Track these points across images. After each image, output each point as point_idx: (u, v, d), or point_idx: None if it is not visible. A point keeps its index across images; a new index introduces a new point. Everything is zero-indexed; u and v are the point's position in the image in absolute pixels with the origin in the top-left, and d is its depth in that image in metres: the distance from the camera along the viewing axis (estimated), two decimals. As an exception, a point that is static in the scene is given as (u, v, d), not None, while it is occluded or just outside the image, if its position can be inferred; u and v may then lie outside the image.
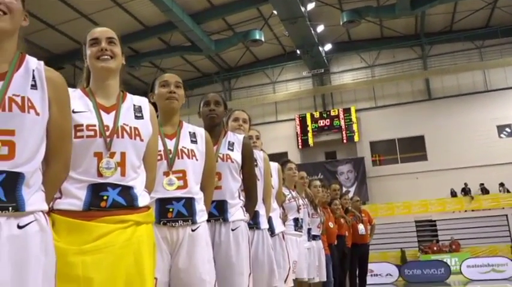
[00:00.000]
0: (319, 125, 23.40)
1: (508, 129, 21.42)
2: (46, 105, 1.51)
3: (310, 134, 23.45)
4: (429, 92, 22.77)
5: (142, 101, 2.01)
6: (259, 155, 3.22)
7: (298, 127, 23.66)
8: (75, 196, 1.72)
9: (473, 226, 19.02)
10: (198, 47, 20.32)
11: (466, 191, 20.44)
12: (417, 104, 22.64)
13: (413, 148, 22.23)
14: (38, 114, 1.47)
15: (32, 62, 1.55)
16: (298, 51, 21.70)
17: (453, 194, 20.79)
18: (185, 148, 2.31)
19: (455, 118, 21.51)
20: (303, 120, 23.68)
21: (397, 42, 22.85)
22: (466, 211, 19.92)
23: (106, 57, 1.91)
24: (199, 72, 25.20)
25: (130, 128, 1.86)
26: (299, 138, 23.51)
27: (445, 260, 15.52)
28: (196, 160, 2.32)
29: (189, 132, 2.40)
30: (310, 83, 24.47)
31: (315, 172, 21.66)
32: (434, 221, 20.13)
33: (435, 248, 18.39)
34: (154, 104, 2.25)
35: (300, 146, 23.53)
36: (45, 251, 1.42)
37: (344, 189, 20.38)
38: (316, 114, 23.69)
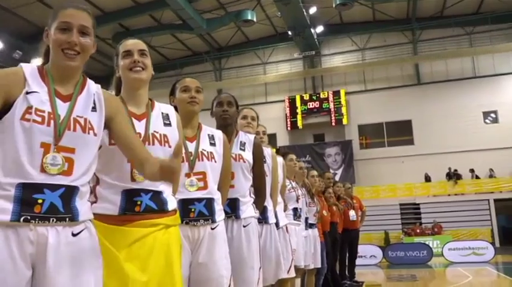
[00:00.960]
0: (308, 107, 23.53)
1: (493, 115, 21.83)
2: (102, 126, 1.65)
3: (299, 116, 23.59)
4: (418, 77, 23.00)
5: (169, 109, 2.12)
6: (267, 151, 3.33)
7: (288, 109, 23.78)
8: (110, 201, 1.84)
9: (455, 209, 19.55)
10: (189, 25, 20.16)
11: (450, 175, 20.91)
12: (406, 89, 22.89)
13: (400, 132, 22.55)
14: (95, 135, 1.62)
15: (93, 86, 1.69)
16: (289, 33, 21.66)
17: (427, 179, 21.30)
18: (205, 150, 2.42)
19: (443, 103, 21.83)
20: (292, 102, 23.79)
21: (388, 26, 22.92)
22: (449, 195, 20.42)
23: (138, 68, 2.01)
24: (189, 50, 24.99)
25: (160, 135, 1.98)
26: (288, 120, 23.66)
27: (427, 242, 15.93)
28: (215, 161, 2.43)
29: (208, 135, 2.50)
30: (301, 65, 24.50)
31: (303, 153, 21.95)
32: (418, 204, 20.63)
33: (418, 231, 18.87)
34: (174, 107, 2.33)
35: (288, 128, 23.69)
36: (95, 255, 1.58)
37: (331, 171, 20.81)
38: (306, 97, 23.80)
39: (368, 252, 14.13)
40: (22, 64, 1.60)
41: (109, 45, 22.33)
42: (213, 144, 2.48)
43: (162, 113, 2.07)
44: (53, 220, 1.46)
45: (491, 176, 20.54)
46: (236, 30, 23.20)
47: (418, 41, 23.14)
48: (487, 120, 21.89)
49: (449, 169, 20.90)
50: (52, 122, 1.52)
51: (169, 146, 1.99)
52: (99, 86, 1.71)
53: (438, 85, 22.37)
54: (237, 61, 25.27)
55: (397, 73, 23.26)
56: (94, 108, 1.64)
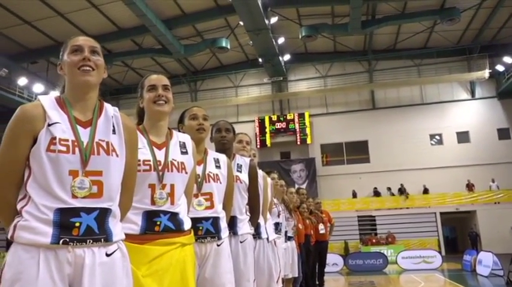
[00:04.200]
0: (276, 127, 23.74)
1: (438, 138, 22.61)
2: (123, 148, 1.60)
3: (267, 135, 23.75)
4: (373, 102, 23.63)
5: (186, 138, 2.13)
6: (259, 173, 3.36)
7: (257, 128, 23.91)
8: (132, 221, 1.83)
9: (407, 221, 20.00)
10: (168, 50, 20.09)
11: (401, 190, 21.43)
12: (363, 112, 23.45)
13: (358, 151, 22.99)
14: (118, 156, 1.57)
15: (110, 109, 1.64)
16: (260, 60, 21.91)
17: (378, 193, 21.77)
18: (211, 172, 2.44)
19: (395, 126, 22.49)
20: (261, 122, 23.95)
21: (347, 56, 23.57)
22: (401, 208, 20.89)
23: (161, 102, 2.03)
24: (167, 73, 24.76)
25: (178, 163, 1.98)
26: (258, 139, 23.75)
27: (382, 251, 16.17)
28: (220, 183, 2.45)
29: (214, 158, 2.52)
30: (270, 89, 24.75)
31: (271, 169, 21.92)
32: (374, 216, 20.99)
33: (374, 241, 19.15)
34: None
35: (258, 146, 23.74)
36: (127, 274, 1.54)
37: (296, 186, 20.96)
38: (274, 118, 24.01)
39: (330, 260, 14.09)
40: (40, 97, 1.56)
41: (92, 66, 21.95)
42: (218, 167, 2.50)
43: (180, 141, 2.08)
44: (89, 242, 1.43)
45: (431, 192, 21.10)
46: (211, 55, 23.29)
47: (373, 70, 23.85)
48: (432, 142, 22.65)
49: (401, 185, 21.43)
50: (77, 149, 1.48)
51: (186, 173, 2.00)
52: (116, 109, 1.67)
53: (391, 110, 23.06)
54: (212, 84, 25.30)
55: (355, 98, 23.85)
56: (114, 131, 1.60)
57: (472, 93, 22.59)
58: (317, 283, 7.72)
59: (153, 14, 17.17)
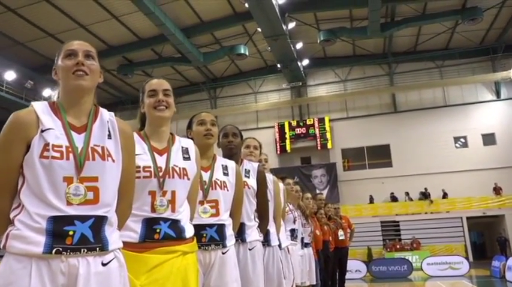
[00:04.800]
0: (296, 132, 23.58)
1: (462, 140, 22.03)
2: (119, 153, 1.55)
3: (287, 141, 23.60)
4: (395, 106, 23.24)
5: (189, 143, 2.06)
6: (269, 178, 3.27)
7: (277, 134, 23.80)
8: (131, 229, 1.77)
9: (432, 226, 19.49)
10: (188, 58, 20.26)
11: (425, 195, 20.91)
12: (384, 116, 23.08)
13: (379, 155, 22.61)
14: (114, 161, 1.51)
15: (105, 114, 1.60)
16: (278, 65, 21.84)
17: (394, 199, 21.31)
18: (218, 179, 2.37)
19: (418, 129, 22.02)
20: (281, 128, 23.83)
21: (367, 60, 23.27)
22: (426, 213, 20.39)
23: (162, 107, 1.97)
24: (187, 81, 25.09)
25: (180, 169, 1.91)
26: (278, 145, 23.64)
27: (407, 257, 15.82)
28: (227, 190, 2.37)
29: (222, 165, 2.45)
30: (289, 95, 24.65)
31: (291, 175, 21.61)
32: (398, 221, 20.54)
33: (398, 247, 18.75)
34: (191, 139, 2.29)
35: (278, 152, 23.66)
36: (124, 284, 1.48)
37: (317, 191, 20.74)
38: (294, 123, 23.86)
39: (353, 267, 13.97)
40: (33, 103, 1.52)
41: (114, 76, 22.42)
42: (226, 174, 2.43)
43: (182, 147, 2.01)
44: (84, 251, 1.37)
45: (457, 196, 20.52)
46: (230, 62, 23.37)
47: (394, 73, 23.47)
48: (457, 145, 22.07)
49: (425, 189, 20.92)
50: (71, 155, 1.43)
51: (188, 179, 1.93)
52: (112, 114, 1.62)
53: (413, 113, 22.61)
54: (231, 91, 25.36)
55: (376, 102, 23.50)
56: (109, 136, 1.55)
57: (497, 94, 21.93)
58: (337, 290, 7.52)
59: (171, 23, 17.37)
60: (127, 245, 1.71)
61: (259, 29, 18.40)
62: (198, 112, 2.51)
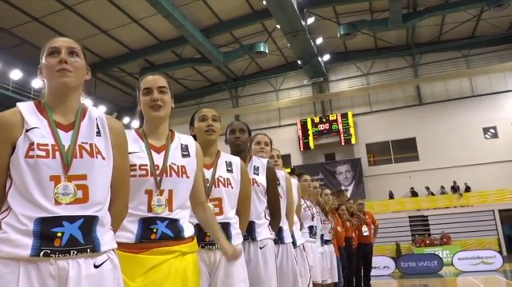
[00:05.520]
0: (319, 129, 23.32)
1: (492, 131, 21.27)
2: (110, 150, 1.50)
3: (310, 138, 23.36)
4: (420, 98, 22.65)
5: (189, 140, 2.00)
6: (281, 174, 3.18)
7: (300, 131, 23.59)
8: (128, 230, 1.72)
9: (462, 220, 18.91)
10: (208, 58, 20.31)
11: (455, 188, 20.32)
12: (409, 109, 22.53)
13: (405, 149, 22.09)
14: (104, 158, 1.47)
15: (94, 112, 1.56)
16: (299, 62, 21.63)
17: (414, 194, 20.73)
18: (221, 177, 2.30)
19: (445, 121, 21.40)
20: (304, 124, 23.60)
21: (389, 52, 22.77)
22: (455, 206, 19.81)
23: (157, 106, 1.91)
24: (208, 81, 25.19)
25: (178, 167, 1.85)
26: (301, 142, 23.42)
27: (437, 253, 15.40)
28: (232, 187, 2.30)
29: (226, 161, 2.38)
30: (310, 91, 24.38)
31: (316, 172, 21.66)
32: (426, 216, 20.03)
33: (427, 242, 18.27)
34: (193, 136, 2.22)
35: (301, 149, 23.45)
36: (118, 286, 1.43)
37: (343, 187, 20.46)
38: (316, 119, 23.61)
39: (381, 263, 13.69)
40: (18, 104, 1.49)
41: (136, 79, 22.66)
42: (230, 171, 2.35)
43: (182, 144, 1.95)
44: (73, 253, 1.32)
45: (488, 189, 19.82)
46: (250, 61, 23.31)
47: (418, 64, 22.88)
48: (487, 136, 21.33)
49: (454, 182, 20.32)
50: (57, 153, 1.39)
51: (188, 177, 1.86)
52: (102, 111, 1.58)
53: (439, 104, 21.97)
54: (252, 89, 25.30)
55: (400, 95, 22.97)
56: (99, 133, 1.50)
57: (528, 81, 21.09)
58: (363, 287, 7.35)
59: (190, 24, 17.44)
60: (123, 246, 1.67)
61: (278, 26, 18.26)
62: (199, 108, 2.44)
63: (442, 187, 20.65)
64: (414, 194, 20.86)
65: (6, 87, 18.36)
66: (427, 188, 20.67)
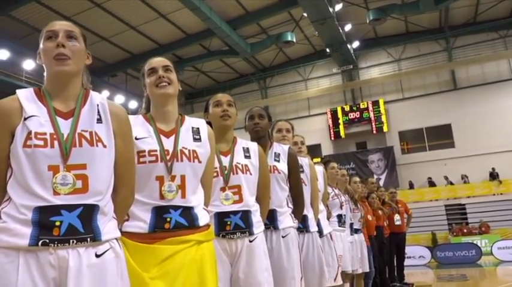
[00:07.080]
0: (349, 117, 22.88)
1: (533, 115, 20.25)
2: (111, 137, 1.45)
3: (341, 126, 22.97)
4: (455, 82, 21.79)
5: (200, 123, 1.92)
6: (304, 161, 3.08)
7: (330, 120, 23.22)
8: (141, 219, 1.67)
9: (502, 208, 18.17)
10: (235, 50, 20.25)
11: (493, 175, 19.51)
12: (443, 94, 21.72)
13: (440, 136, 21.37)
14: (105, 146, 1.42)
15: (96, 97, 1.50)
16: (327, 50, 21.23)
17: (466, 180, 19.91)
18: (239, 163, 2.22)
19: (481, 106, 20.51)
20: (334, 113, 23.22)
21: (421, 36, 21.99)
22: (494, 194, 19.05)
23: (164, 83, 1.83)
24: (236, 73, 25.16)
25: (189, 151, 1.78)
26: (331, 131, 23.07)
27: (475, 242, 14.90)
28: (251, 174, 2.22)
29: (243, 148, 2.30)
30: (340, 79, 23.93)
31: (347, 161, 21.35)
32: (464, 204, 19.37)
33: (465, 231, 17.67)
34: (209, 123, 2.16)
35: (332, 138, 23.11)
36: (121, 276, 1.39)
37: (375, 176, 20.00)
38: (347, 108, 23.18)
39: (416, 253, 13.40)
40: (17, 91, 1.45)
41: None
42: (248, 157, 2.27)
43: (193, 127, 1.86)
44: (73, 242, 1.29)
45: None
46: (278, 51, 23.08)
47: (452, 48, 21.98)
48: (527, 120, 20.33)
49: (493, 169, 19.51)
50: (56, 142, 1.35)
51: (199, 162, 1.79)
52: (104, 97, 1.52)
53: (475, 89, 21.07)
54: (281, 79, 25.08)
55: (433, 80, 22.19)
56: (100, 120, 1.44)
57: None
58: (396, 277, 7.15)
59: (217, 16, 17.41)
60: (136, 236, 1.63)
61: (305, 14, 17.94)
62: (215, 95, 2.37)
63: (446, 177, 19.88)
64: (450, 182, 20.19)
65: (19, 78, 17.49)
66: (465, 176, 19.95)
